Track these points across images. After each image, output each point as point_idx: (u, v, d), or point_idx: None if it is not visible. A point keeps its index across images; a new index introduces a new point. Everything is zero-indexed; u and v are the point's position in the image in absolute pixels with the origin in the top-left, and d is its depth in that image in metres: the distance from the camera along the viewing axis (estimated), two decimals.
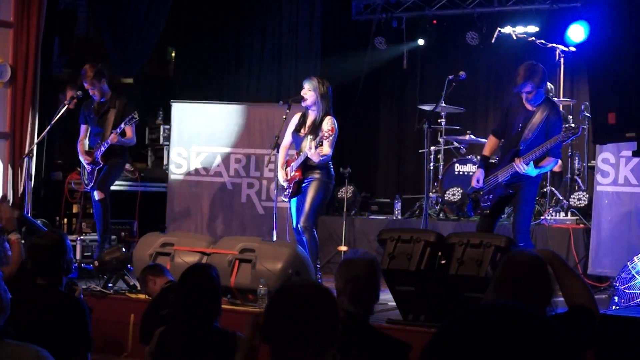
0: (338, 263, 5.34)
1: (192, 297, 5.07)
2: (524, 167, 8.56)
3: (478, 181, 8.98)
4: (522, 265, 4.28)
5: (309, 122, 9.75)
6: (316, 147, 9.40)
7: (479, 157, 9.40)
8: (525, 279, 4.21)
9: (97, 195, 10.68)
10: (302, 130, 9.78)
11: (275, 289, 3.41)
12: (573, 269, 4.49)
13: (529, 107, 8.80)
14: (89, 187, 10.82)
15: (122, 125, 10.46)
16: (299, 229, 9.61)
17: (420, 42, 14.16)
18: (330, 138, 9.39)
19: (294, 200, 9.78)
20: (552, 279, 4.26)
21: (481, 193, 8.98)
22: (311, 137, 9.59)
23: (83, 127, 11.07)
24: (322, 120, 9.59)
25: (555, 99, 11.22)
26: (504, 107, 9.31)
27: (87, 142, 11.00)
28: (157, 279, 7.48)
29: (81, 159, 10.89)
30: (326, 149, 9.48)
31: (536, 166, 8.63)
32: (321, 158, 9.47)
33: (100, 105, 10.84)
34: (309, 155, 9.49)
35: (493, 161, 9.33)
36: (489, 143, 9.23)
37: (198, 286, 5.11)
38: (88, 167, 10.79)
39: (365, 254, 5.10)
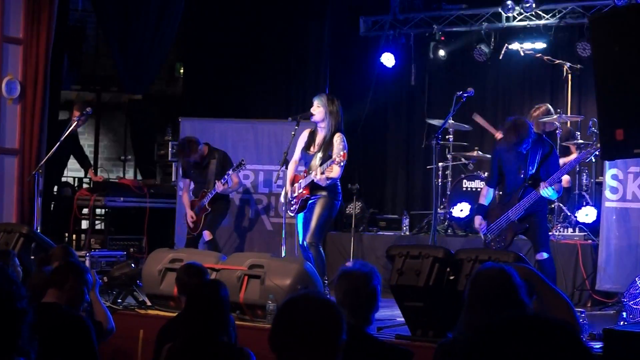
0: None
1: (201, 312, 5.10)
2: (549, 191, 8.82)
3: (480, 225, 9.16)
4: (489, 280, 4.30)
5: (318, 139, 9.80)
6: (322, 173, 9.48)
7: (476, 207, 9.65)
8: (493, 292, 4.23)
9: (206, 236, 11.19)
10: (312, 148, 9.82)
11: (283, 300, 3.45)
12: (551, 285, 4.48)
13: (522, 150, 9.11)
14: (196, 233, 11.33)
15: (230, 172, 11.07)
16: (305, 245, 9.66)
17: (442, 52, 14.15)
18: (342, 163, 9.46)
19: (300, 216, 9.83)
20: (520, 290, 4.26)
21: (490, 238, 9.10)
22: (320, 155, 9.64)
23: (185, 181, 11.73)
24: (331, 138, 9.63)
25: (563, 115, 11.26)
26: (493, 157, 9.50)
27: (190, 194, 11.63)
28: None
29: (187, 211, 11.47)
30: (336, 170, 9.52)
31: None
32: (328, 182, 9.54)
33: (198, 162, 11.38)
34: (315, 181, 9.56)
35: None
36: (484, 192, 9.49)
37: (207, 301, 5.15)
38: (191, 217, 11.39)
39: (363, 265, 5.11)
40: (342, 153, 9.39)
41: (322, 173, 9.51)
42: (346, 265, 5.22)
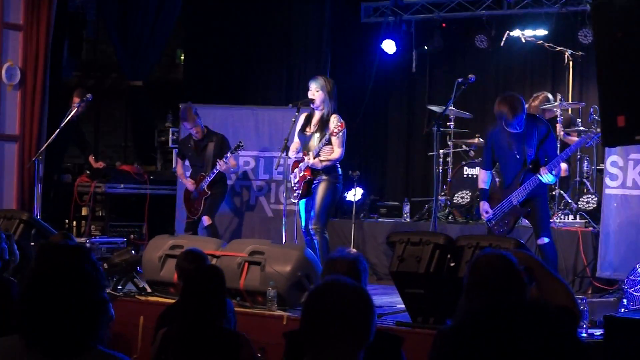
0: None
1: (198, 297, 5.10)
2: (549, 176, 8.76)
3: (487, 212, 9.10)
4: (489, 267, 4.25)
5: (314, 120, 9.80)
6: (315, 156, 9.50)
7: (478, 191, 9.60)
8: (492, 278, 4.18)
9: (205, 221, 11.21)
10: (308, 129, 9.82)
11: (311, 288, 3.38)
12: (551, 270, 4.45)
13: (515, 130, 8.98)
14: (196, 217, 11.34)
15: (228, 155, 11.03)
16: (310, 230, 9.65)
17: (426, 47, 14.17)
18: (340, 135, 9.44)
19: (302, 202, 9.82)
20: (521, 276, 4.22)
21: (493, 223, 9.08)
22: (318, 135, 9.64)
23: (180, 162, 11.74)
24: (328, 118, 9.63)
25: (564, 102, 11.24)
26: (487, 140, 9.40)
27: (187, 175, 11.63)
28: None
29: (184, 181, 11.51)
30: (337, 150, 9.55)
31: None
32: (326, 163, 9.56)
33: (198, 141, 11.38)
34: (309, 165, 9.57)
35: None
36: (482, 176, 9.37)
37: (204, 287, 5.15)
38: (192, 183, 11.39)
39: (348, 253, 5.09)
40: (339, 123, 9.41)
41: (316, 156, 9.52)
42: (333, 253, 5.20)
